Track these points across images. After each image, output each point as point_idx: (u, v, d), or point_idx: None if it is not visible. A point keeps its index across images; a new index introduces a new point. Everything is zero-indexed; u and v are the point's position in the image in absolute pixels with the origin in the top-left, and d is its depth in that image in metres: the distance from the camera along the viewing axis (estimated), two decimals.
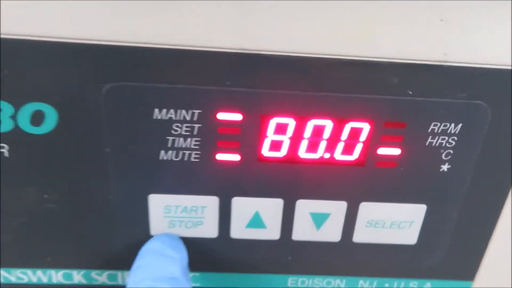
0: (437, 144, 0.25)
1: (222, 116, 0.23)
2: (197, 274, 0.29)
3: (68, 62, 0.22)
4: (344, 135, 0.24)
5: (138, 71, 0.22)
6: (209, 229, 0.27)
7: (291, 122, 0.24)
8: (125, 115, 0.23)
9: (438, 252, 0.29)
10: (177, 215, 0.26)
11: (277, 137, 0.24)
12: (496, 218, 0.28)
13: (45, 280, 0.28)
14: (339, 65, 0.22)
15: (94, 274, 0.28)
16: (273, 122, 0.24)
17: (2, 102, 0.22)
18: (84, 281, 0.28)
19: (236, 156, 0.24)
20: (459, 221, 0.27)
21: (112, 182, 0.25)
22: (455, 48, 0.22)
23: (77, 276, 0.28)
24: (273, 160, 0.25)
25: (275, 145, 0.24)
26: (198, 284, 0.29)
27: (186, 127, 0.23)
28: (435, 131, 0.24)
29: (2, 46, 0.21)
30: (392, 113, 0.24)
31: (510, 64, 0.23)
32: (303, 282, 0.30)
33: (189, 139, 0.24)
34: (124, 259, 0.27)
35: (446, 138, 0.24)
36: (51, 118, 0.23)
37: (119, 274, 0.28)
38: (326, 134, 0.24)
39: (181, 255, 0.25)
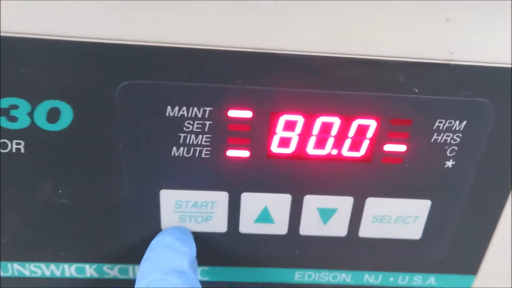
0: (442, 141, 0.25)
1: (232, 113, 0.24)
2: (206, 268, 0.29)
3: (83, 61, 0.22)
4: (351, 132, 0.25)
5: (151, 70, 0.23)
6: (219, 224, 0.27)
7: (299, 119, 0.24)
8: (138, 112, 0.24)
9: (442, 247, 0.29)
10: (187, 210, 0.27)
11: (286, 134, 0.25)
12: (499, 214, 0.28)
13: (58, 274, 0.29)
14: (347, 63, 0.23)
15: (105, 268, 0.29)
16: (282, 119, 0.24)
17: (19, 99, 0.23)
18: (96, 275, 0.29)
19: (246, 152, 0.25)
20: (463, 217, 0.28)
21: (124, 178, 0.25)
22: (460, 47, 0.23)
23: (89, 270, 0.29)
24: (282, 156, 0.25)
25: (284, 142, 0.25)
26: (207, 278, 0.30)
27: (198, 124, 0.24)
28: (440, 128, 0.25)
29: (20, 45, 0.21)
30: (399, 110, 0.24)
31: None
32: (309, 276, 0.30)
33: (200, 136, 0.24)
34: (135, 253, 0.28)
35: (451, 135, 0.25)
36: (67, 115, 0.23)
37: (130, 268, 0.29)
38: (334, 131, 0.25)
39: (190, 249, 0.25)
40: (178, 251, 0.25)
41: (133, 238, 0.27)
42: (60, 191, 0.26)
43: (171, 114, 0.24)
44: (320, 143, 0.25)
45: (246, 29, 0.22)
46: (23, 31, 0.21)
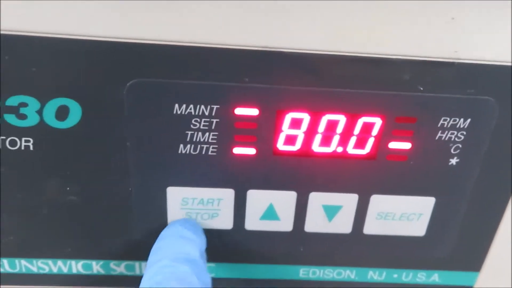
0: (446, 139, 0.25)
1: (239, 111, 0.24)
2: (212, 264, 0.30)
3: (92, 59, 0.22)
4: (357, 129, 0.25)
5: (159, 68, 0.23)
6: (225, 221, 0.28)
7: (305, 117, 0.24)
8: (146, 110, 0.24)
9: (446, 244, 0.29)
10: (193, 207, 0.27)
11: (292, 131, 0.25)
12: (502, 211, 0.28)
13: (65, 270, 0.29)
14: (353, 62, 0.23)
15: (112, 264, 0.29)
16: (288, 117, 0.24)
17: (29, 97, 0.23)
18: (102, 271, 0.29)
19: (252, 150, 0.25)
20: (467, 214, 0.28)
21: (132, 175, 0.26)
22: (465, 46, 0.23)
23: (96, 267, 0.29)
24: (287, 154, 0.26)
25: (290, 139, 0.25)
26: (213, 275, 0.30)
27: (205, 122, 0.24)
28: (445, 125, 0.25)
29: (30, 43, 0.22)
30: (403, 108, 0.24)
31: None
32: (314, 272, 0.30)
33: (207, 134, 0.25)
34: (141, 250, 0.28)
35: (455, 132, 0.25)
36: (75, 113, 0.24)
37: (136, 264, 0.29)
38: (339, 128, 0.25)
39: (200, 239, 0.26)
40: (188, 240, 0.25)
41: (140, 234, 0.28)
42: (68, 188, 0.26)
43: (179, 112, 0.24)
44: (326, 141, 0.25)
45: (253, 27, 0.22)
46: (33, 29, 0.22)
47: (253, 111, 0.24)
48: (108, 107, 0.24)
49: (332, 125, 0.25)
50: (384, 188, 0.27)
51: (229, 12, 0.22)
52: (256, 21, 0.22)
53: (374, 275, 0.31)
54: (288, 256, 0.30)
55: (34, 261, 0.28)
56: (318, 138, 0.25)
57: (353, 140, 0.25)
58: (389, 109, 0.24)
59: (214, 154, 0.25)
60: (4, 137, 0.24)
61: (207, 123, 0.24)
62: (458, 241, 0.29)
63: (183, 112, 0.24)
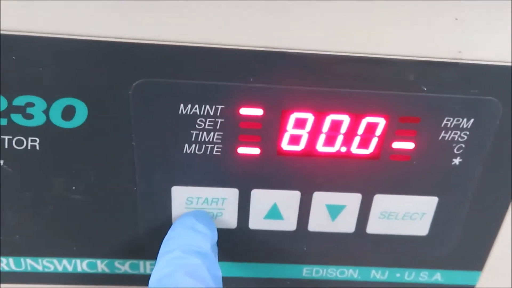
0: (449, 139, 0.26)
1: (244, 111, 0.24)
2: None
3: (98, 59, 0.23)
4: (361, 129, 0.25)
5: (165, 68, 0.23)
6: (229, 220, 0.28)
7: (309, 117, 0.25)
8: (151, 110, 0.24)
9: (448, 243, 0.30)
10: (198, 207, 0.27)
11: (296, 131, 0.25)
12: (505, 211, 0.28)
13: (70, 268, 0.29)
14: (357, 62, 0.23)
15: (117, 263, 0.29)
16: (292, 117, 0.25)
17: (35, 97, 0.23)
18: (107, 270, 0.29)
19: (257, 149, 0.25)
20: (469, 213, 0.28)
21: (137, 175, 0.26)
22: (469, 46, 0.23)
23: (101, 265, 0.29)
24: (292, 153, 0.26)
25: (294, 139, 0.25)
26: None
27: (210, 121, 0.24)
28: (448, 126, 0.25)
29: (37, 43, 0.22)
30: (407, 108, 0.25)
31: None
32: (317, 272, 0.31)
33: (212, 133, 0.25)
34: (146, 249, 0.28)
35: (458, 132, 0.25)
36: (82, 113, 0.24)
37: (141, 263, 0.29)
38: (343, 128, 0.25)
39: (212, 233, 0.26)
40: (201, 233, 0.25)
41: (145, 233, 0.28)
42: (74, 187, 0.26)
43: (184, 112, 0.24)
44: (330, 141, 0.25)
45: (258, 27, 0.22)
46: (39, 30, 0.22)
47: (258, 111, 0.24)
48: (114, 107, 0.24)
49: (336, 125, 0.25)
50: (387, 188, 0.27)
51: (235, 12, 0.22)
52: (261, 21, 0.22)
53: (376, 274, 0.31)
54: (291, 255, 0.30)
55: (40, 259, 0.29)
56: (322, 138, 0.25)
57: (356, 140, 0.25)
58: (392, 109, 0.25)
59: (219, 153, 0.25)
60: (10, 137, 0.24)
61: (212, 123, 0.24)
62: (460, 240, 0.29)
63: (188, 112, 0.24)
